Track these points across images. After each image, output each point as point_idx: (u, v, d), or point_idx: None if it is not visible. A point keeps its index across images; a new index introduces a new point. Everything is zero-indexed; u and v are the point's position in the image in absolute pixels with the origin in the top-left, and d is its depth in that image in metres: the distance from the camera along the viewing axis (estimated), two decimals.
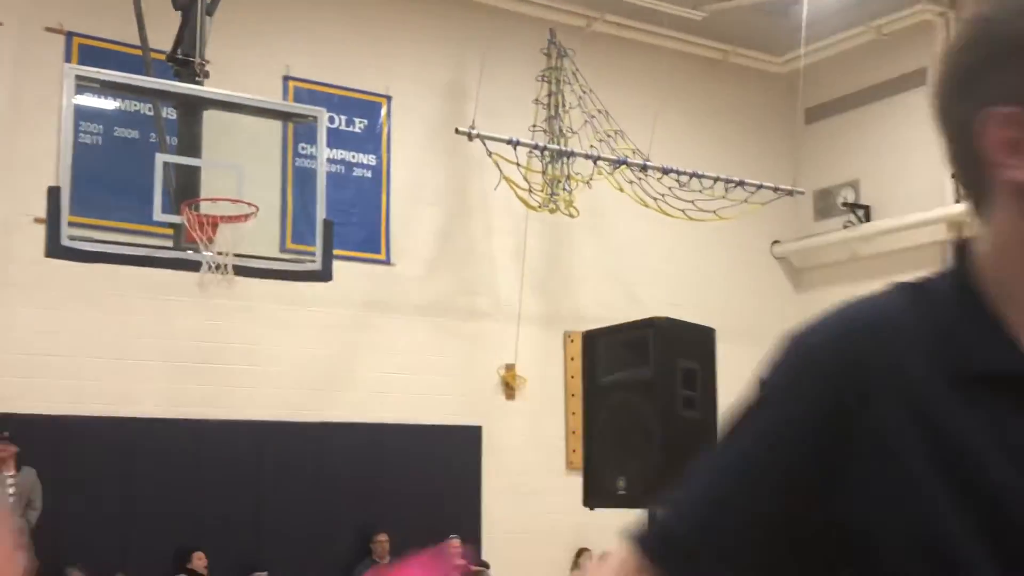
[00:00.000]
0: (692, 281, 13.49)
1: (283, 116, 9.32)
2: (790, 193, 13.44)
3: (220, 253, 7.99)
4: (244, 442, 10.63)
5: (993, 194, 1.09)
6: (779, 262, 14.69)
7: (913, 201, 13.28)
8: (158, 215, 7.99)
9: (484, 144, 11.40)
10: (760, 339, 11.86)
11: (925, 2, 13.23)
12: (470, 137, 11.42)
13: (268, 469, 10.69)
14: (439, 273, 12.15)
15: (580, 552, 11.84)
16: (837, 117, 14.49)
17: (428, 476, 11.36)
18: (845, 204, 14.03)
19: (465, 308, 12.19)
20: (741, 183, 12.71)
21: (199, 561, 10.00)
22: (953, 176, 1.19)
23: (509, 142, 11.61)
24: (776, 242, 14.57)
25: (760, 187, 12.93)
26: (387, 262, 11.88)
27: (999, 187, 1.07)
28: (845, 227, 14.00)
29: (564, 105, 12.54)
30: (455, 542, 11.18)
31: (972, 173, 1.11)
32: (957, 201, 12.90)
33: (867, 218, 13.86)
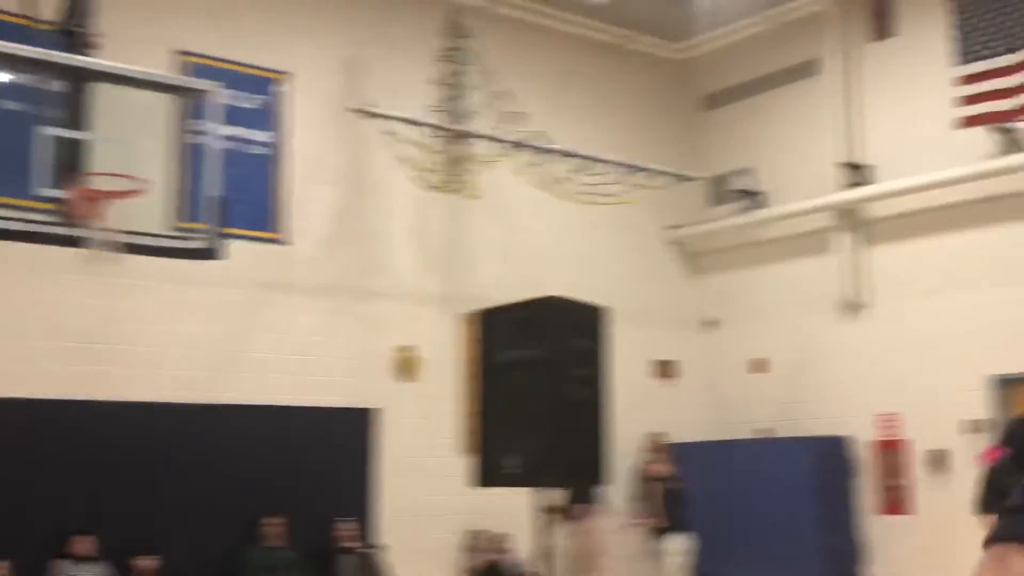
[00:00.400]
0: (590, 264, 13.60)
1: (176, 90, 9.12)
2: (687, 179, 13.63)
3: (108, 230, 7.80)
4: (134, 424, 10.41)
5: None
6: (675, 246, 14.88)
7: (804, 188, 13.57)
8: (43, 190, 7.76)
9: (383, 123, 11.33)
10: (655, 321, 12.17)
11: None
12: (367, 115, 11.33)
13: (159, 451, 10.48)
14: (337, 253, 12.04)
15: (470, 533, 11.87)
16: (734, 104, 14.72)
17: (323, 458, 11.28)
18: (740, 190, 14.26)
19: (363, 289, 12.10)
20: (640, 168, 12.84)
21: (80, 545, 9.74)
22: None
23: (408, 121, 11.54)
24: (672, 226, 14.75)
25: (658, 172, 13.07)
26: (283, 242, 11.73)
27: None
28: (739, 213, 14.23)
29: (465, 86, 12.51)
30: (347, 525, 11.14)
31: None
32: (844, 189, 13.23)
33: (761, 204, 14.10)
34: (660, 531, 11.92)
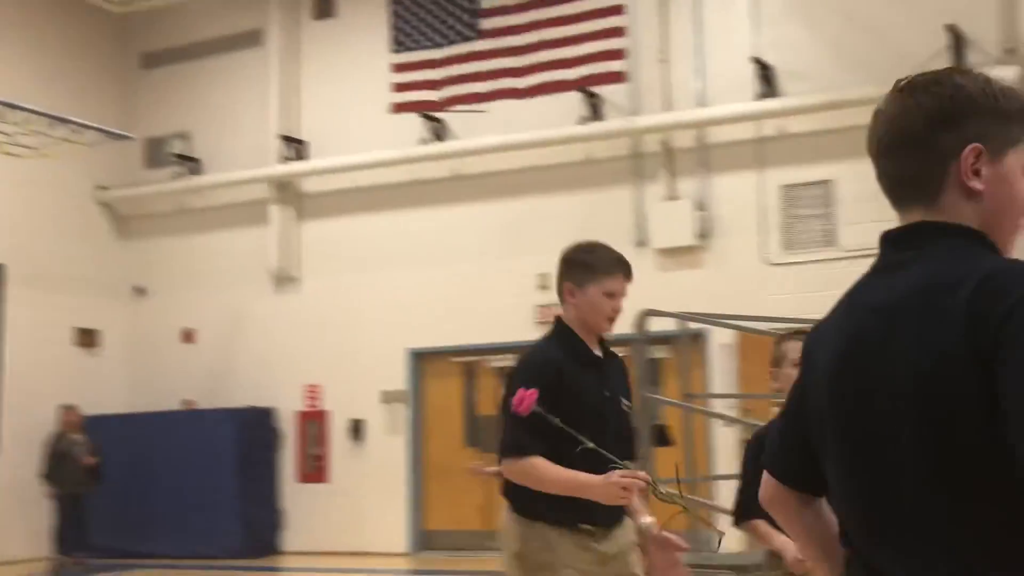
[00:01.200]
0: (7, 221, 12.48)
1: None
2: (119, 137, 12.95)
3: None
4: None
5: (940, 196, 1.66)
6: (105, 208, 14.12)
7: (243, 159, 13.46)
8: None
9: None
10: (80, 286, 11.41)
11: None
12: None
13: None
14: None
15: None
16: (174, 66, 14.22)
17: None
18: (177, 155, 13.85)
19: None
20: (65, 121, 11.96)
21: None
22: (903, 178, 1.70)
23: None
24: (103, 187, 13.98)
25: (87, 127, 12.27)
26: None
27: (955, 192, 1.66)
28: (175, 178, 13.82)
29: None
30: None
31: (924, 183, 1.67)
32: (281, 162, 13.32)
33: (198, 171, 13.80)
34: None
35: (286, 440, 13.10)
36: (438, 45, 12.47)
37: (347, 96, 13.10)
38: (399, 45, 12.73)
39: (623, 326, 7.95)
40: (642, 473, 3.36)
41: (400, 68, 12.67)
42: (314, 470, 12.95)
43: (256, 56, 13.68)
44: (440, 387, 12.58)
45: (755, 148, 11.20)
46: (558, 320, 3.70)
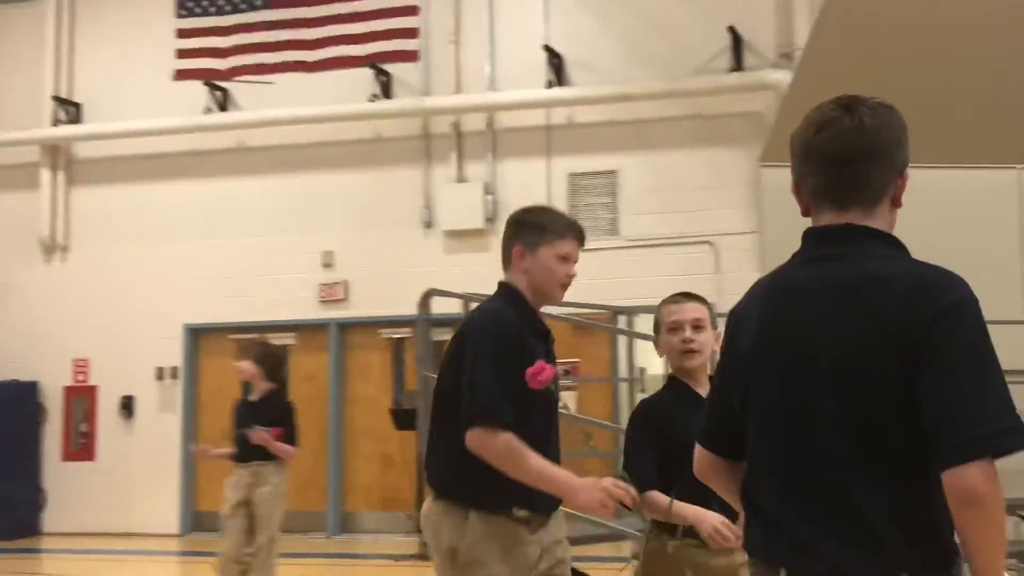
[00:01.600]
0: None
1: None
2: None
3: None
4: None
5: (880, 203, 1.93)
6: None
7: (10, 119, 12.71)
8: None
9: None
10: None
11: None
12: None
13: None
14: None
15: None
16: None
17: None
18: None
19: None
20: None
21: None
22: (859, 183, 1.92)
23: None
24: None
25: None
26: None
27: (888, 201, 1.95)
28: None
29: None
30: None
31: (877, 189, 1.93)
32: (54, 124, 12.66)
33: None
34: None
35: (51, 416, 12.49)
36: (225, 12, 12.09)
37: (127, 59, 12.55)
38: (185, 10, 12.27)
39: (409, 306, 7.94)
40: (633, 491, 3.08)
41: (185, 34, 12.22)
42: (80, 448, 12.39)
43: (30, 11, 12.89)
44: (217, 365, 12.22)
45: (544, 135, 11.37)
46: (506, 286, 3.36)
